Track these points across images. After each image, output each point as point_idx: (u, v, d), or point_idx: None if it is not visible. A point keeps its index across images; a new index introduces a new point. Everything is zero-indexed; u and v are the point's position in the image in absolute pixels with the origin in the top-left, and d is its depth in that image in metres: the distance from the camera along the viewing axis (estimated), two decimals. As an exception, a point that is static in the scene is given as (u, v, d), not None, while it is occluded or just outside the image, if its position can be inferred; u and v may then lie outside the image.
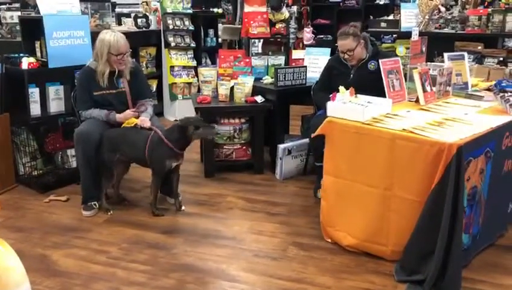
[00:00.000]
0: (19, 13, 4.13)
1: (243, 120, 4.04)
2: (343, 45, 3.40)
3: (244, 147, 4.10)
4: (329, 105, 2.85)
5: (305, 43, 7.14)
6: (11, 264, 1.28)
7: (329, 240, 2.89)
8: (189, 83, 5.89)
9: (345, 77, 3.44)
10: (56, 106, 3.81)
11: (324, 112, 3.51)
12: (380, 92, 3.05)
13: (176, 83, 5.82)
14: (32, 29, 3.76)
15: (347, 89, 2.94)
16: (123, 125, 3.29)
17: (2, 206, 1.26)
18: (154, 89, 5.93)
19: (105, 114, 3.28)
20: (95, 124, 3.26)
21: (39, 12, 3.62)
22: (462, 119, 2.72)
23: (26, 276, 1.28)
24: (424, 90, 3.06)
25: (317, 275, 2.58)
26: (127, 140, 3.22)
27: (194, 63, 5.90)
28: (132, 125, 3.27)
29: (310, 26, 7.65)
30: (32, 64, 3.57)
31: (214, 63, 5.97)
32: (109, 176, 3.29)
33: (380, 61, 3.07)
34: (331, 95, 2.95)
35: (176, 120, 5.17)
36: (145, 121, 3.28)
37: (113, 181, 3.35)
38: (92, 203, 3.30)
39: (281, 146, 3.91)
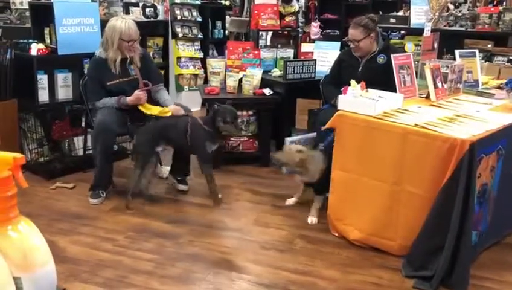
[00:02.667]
0: (29, -1, 4.10)
1: (250, 112, 4.03)
2: (351, 34, 3.40)
3: (251, 140, 4.09)
4: (340, 99, 2.84)
5: (312, 37, 7.10)
6: (37, 243, 1.29)
7: (336, 234, 2.89)
8: (196, 75, 5.88)
9: (354, 70, 3.43)
10: (64, 93, 3.80)
11: (330, 106, 3.51)
12: (387, 86, 3.03)
13: (182, 74, 5.81)
14: (42, 15, 3.74)
15: (356, 81, 2.93)
16: (154, 114, 3.28)
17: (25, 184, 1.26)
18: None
19: (116, 100, 3.28)
20: (112, 113, 3.24)
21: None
22: (474, 116, 2.71)
23: (51, 255, 1.29)
24: (435, 87, 3.05)
25: (324, 268, 2.58)
26: (171, 129, 3.24)
27: (201, 55, 5.88)
28: (168, 114, 3.28)
29: (317, 20, 7.61)
30: (41, 51, 3.56)
31: (220, 54, 5.95)
32: (151, 169, 3.30)
33: (392, 56, 3.05)
34: (342, 89, 2.93)
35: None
36: (178, 110, 3.30)
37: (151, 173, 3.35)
38: (100, 191, 3.29)
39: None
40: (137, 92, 3.31)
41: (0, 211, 1.28)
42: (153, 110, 3.31)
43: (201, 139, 3.19)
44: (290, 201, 3.38)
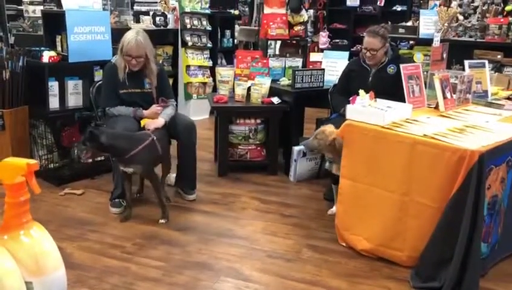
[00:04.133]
0: (42, 7, 4.16)
1: (258, 121, 4.04)
2: (369, 43, 3.39)
3: (258, 148, 4.10)
4: (349, 108, 2.84)
5: (320, 47, 7.15)
6: (49, 249, 1.30)
7: (344, 244, 2.88)
8: (204, 83, 5.92)
9: (364, 80, 3.43)
10: (74, 100, 3.84)
11: (338, 115, 3.51)
12: (397, 97, 3.03)
13: (191, 83, 5.85)
14: (54, 23, 3.79)
15: (365, 92, 2.93)
16: (142, 125, 3.29)
17: (38, 190, 1.28)
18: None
19: (132, 111, 3.29)
20: (131, 122, 3.25)
21: (61, 6, 3.66)
22: (483, 127, 2.70)
23: (62, 260, 1.30)
24: (444, 97, 3.04)
25: (331, 278, 2.57)
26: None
27: (210, 63, 5.93)
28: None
29: (325, 30, 7.65)
30: (53, 58, 3.61)
31: (229, 63, 5.98)
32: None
33: (400, 66, 3.06)
34: (350, 98, 2.93)
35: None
36: (150, 124, 3.21)
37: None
38: (121, 200, 3.28)
39: (296, 148, 3.90)
40: (155, 107, 3.33)
41: (13, 216, 1.29)
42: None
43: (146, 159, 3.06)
44: (334, 209, 3.23)
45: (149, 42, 3.27)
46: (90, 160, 3.04)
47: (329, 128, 3.09)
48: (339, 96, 3.63)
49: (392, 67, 3.40)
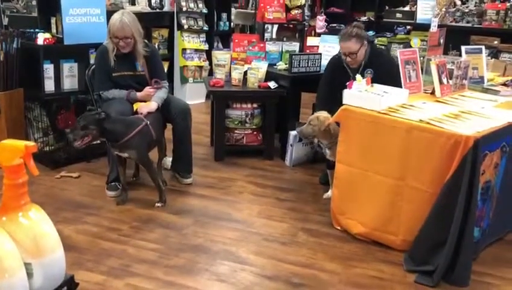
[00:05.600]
0: (36, -12, 4.10)
1: (255, 105, 4.04)
2: (345, 48, 3.20)
3: (255, 133, 4.10)
4: (346, 93, 2.84)
5: (317, 31, 7.08)
6: (47, 230, 1.31)
7: (339, 228, 2.91)
8: (201, 67, 5.88)
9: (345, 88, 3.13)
10: (69, 83, 3.82)
11: None
12: None
13: (187, 66, 5.81)
14: (49, 4, 3.74)
15: None
16: (135, 109, 3.28)
17: (36, 171, 1.28)
18: (165, 72, 5.91)
19: (126, 94, 3.28)
20: (126, 104, 3.24)
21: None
22: (479, 113, 2.71)
23: (60, 242, 1.31)
24: (441, 83, 3.05)
25: (326, 261, 2.60)
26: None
27: (206, 47, 5.88)
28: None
29: (323, 14, 7.58)
30: (48, 40, 3.57)
31: (226, 47, 5.94)
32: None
33: (398, 51, 3.05)
34: (347, 83, 2.92)
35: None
36: (142, 108, 3.19)
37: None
38: (117, 183, 3.29)
39: (292, 133, 3.90)
40: (148, 89, 3.31)
41: (12, 198, 1.29)
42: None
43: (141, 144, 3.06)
44: (329, 193, 3.23)
45: (136, 23, 3.21)
46: (84, 146, 3.03)
47: (323, 114, 3.11)
48: (323, 107, 3.27)
49: (368, 72, 3.23)
